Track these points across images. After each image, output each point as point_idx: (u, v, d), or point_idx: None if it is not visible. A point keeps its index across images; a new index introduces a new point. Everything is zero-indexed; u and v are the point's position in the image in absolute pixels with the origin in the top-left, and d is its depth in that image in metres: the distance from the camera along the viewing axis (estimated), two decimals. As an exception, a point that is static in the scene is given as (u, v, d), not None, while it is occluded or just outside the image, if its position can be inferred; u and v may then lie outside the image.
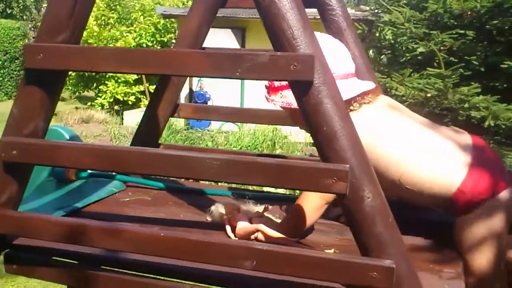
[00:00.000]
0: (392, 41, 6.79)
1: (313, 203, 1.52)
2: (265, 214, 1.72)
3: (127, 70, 1.25)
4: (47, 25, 1.32)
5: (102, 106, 12.95)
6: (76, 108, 14.79)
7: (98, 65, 1.26)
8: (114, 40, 13.02)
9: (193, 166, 1.24)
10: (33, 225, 1.41)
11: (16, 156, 1.37)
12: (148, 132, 2.20)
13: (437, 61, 5.25)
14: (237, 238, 1.58)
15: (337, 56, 1.58)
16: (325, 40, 1.56)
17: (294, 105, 1.62)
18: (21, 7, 22.97)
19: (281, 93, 1.64)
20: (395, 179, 1.53)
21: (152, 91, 10.12)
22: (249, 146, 7.55)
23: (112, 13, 13.80)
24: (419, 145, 1.55)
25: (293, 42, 1.17)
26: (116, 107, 12.55)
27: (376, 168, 1.32)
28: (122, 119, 11.05)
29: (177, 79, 2.10)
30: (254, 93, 10.35)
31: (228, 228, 1.63)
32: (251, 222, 1.61)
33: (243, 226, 1.58)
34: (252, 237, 1.55)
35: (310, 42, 1.19)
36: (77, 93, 15.22)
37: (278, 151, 7.68)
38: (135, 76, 13.16)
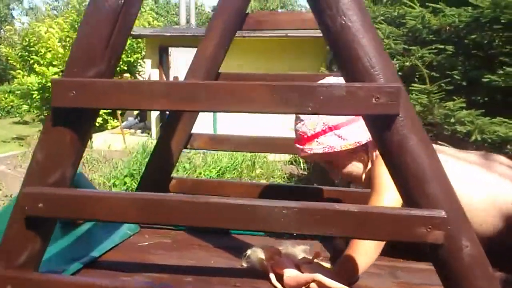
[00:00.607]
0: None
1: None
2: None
3: (181, 107, 1.09)
4: (79, 56, 1.14)
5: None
6: (40, 131, 14.34)
7: (147, 103, 1.09)
8: (79, 61, 12.69)
9: (260, 217, 1.08)
10: (62, 289, 1.21)
11: (43, 209, 1.18)
12: (161, 165, 2.03)
13: (417, 76, 5.23)
14: None
15: None
16: None
17: (337, 147, 1.52)
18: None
19: (317, 141, 1.60)
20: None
21: (119, 112, 9.86)
22: (228, 167, 7.35)
23: (77, 34, 13.48)
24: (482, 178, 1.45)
25: (371, 71, 1.03)
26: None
27: None
28: (92, 141, 10.72)
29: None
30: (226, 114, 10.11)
31: (273, 277, 1.45)
32: (299, 269, 1.43)
33: (292, 275, 1.40)
34: None
35: (390, 71, 1.05)
36: (41, 116, 14.79)
37: (258, 171, 7.50)
38: (102, 98, 12.88)
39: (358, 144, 1.57)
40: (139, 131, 11.55)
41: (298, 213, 1.06)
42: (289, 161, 8.28)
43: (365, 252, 1.39)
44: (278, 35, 9.21)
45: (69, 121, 1.17)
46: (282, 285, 1.40)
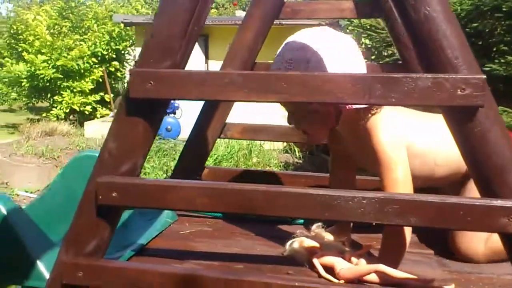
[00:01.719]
0: (369, 46, 6.79)
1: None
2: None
3: (258, 99, 1.10)
4: (156, 47, 1.15)
5: (58, 117, 12.46)
6: (28, 119, 14.21)
7: (224, 94, 1.09)
8: (68, 49, 12.56)
9: (338, 206, 1.09)
10: (132, 277, 1.22)
11: (116, 198, 1.19)
12: (196, 154, 2.03)
13: (419, 65, 5.26)
14: (341, 281, 1.41)
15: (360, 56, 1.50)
16: (346, 40, 1.48)
17: None
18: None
19: None
20: (431, 163, 1.54)
21: (108, 100, 9.76)
22: (224, 155, 7.36)
23: (65, 22, 13.33)
24: (437, 129, 1.51)
25: (455, 62, 1.05)
26: (71, 117, 12.09)
27: (415, 161, 1.45)
28: (83, 130, 10.65)
29: (230, 98, 1.94)
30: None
31: (321, 268, 1.46)
32: (346, 259, 1.45)
33: (347, 266, 1.41)
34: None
35: (472, 62, 1.07)
36: (29, 104, 14.63)
37: (254, 160, 7.53)
38: (91, 86, 12.77)
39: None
40: (130, 119, 11.48)
41: (377, 203, 1.08)
42: (283, 149, 8.31)
43: (402, 242, 1.42)
44: (313, 24, 9.14)
45: (144, 112, 1.18)
46: (334, 277, 1.41)
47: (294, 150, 7.66)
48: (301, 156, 7.55)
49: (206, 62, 9.94)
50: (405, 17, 1.08)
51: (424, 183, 1.57)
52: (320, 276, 1.42)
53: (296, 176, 2.19)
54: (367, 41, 6.61)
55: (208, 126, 1.98)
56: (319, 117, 1.46)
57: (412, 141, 1.50)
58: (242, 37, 1.93)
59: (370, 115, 1.46)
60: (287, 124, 1.58)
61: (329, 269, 1.43)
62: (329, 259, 1.45)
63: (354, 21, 6.64)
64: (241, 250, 1.67)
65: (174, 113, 9.15)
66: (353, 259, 1.46)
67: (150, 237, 1.74)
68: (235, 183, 1.27)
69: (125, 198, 1.19)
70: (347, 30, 7.13)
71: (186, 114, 9.03)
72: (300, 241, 1.57)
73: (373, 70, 1.96)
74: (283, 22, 7.97)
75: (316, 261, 1.46)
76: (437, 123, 1.48)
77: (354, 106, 1.43)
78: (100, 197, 1.20)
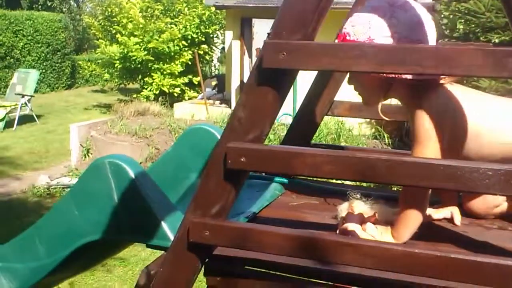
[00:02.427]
0: (464, 32, 6.55)
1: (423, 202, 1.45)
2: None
3: (387, 70, 1.13)
4: (288, 19, 1.20)
5: (147, 98, 12.95)
6: (119, 99, 14.87)
7: (357, 65, 1.13)
8: (159, 32, 12.97)
9: (461, 177, 1.11)
10: (257, 238, 1.30)
11: (245, 163, 1.26)
12: (303, 131, 2.09)
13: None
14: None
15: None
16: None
17: None
18: (61, -1, 23.14)
19: None
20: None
21: (196, 82, 10.05)
22: (313, 139, 7.39)
23: (157, 5, 13.75)
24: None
25: None
26: (160, 99, 12.50)
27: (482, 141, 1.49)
28: (173, 111, 11.01)
29: (340, 75, 1.97)
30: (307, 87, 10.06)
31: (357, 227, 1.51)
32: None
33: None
34: None
35: None
36: (121, 85, 15.29)
37: (343, 144, 7.53)
38: (180, 68, 13.13)
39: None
40: (217, 102, 11.74)
41: (502, 175, 1.09)
42: (372, 135, 8.24)
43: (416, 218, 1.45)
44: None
45: (274, 82, 1.24)
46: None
47: (384, 136, 7.59)
48: (390, 142, 7.46)
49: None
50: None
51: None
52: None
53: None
54: (461, 26, 6.40)
55: (317, 102, 2.02)
56: (370, 83, 1.50)
57: (476, 122, 1.51)
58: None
59: (424, 91, 1.47)
60: (395, 103, 1.62)
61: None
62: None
63: (452, 4, 6.45)
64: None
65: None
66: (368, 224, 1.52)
67: (261, 206, 1.82)
68: (359, 151, 1.31)
69: (253, 163, 1.26)
70: (442, 15, 6.93)
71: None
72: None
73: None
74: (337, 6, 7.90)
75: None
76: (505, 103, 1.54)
77: (405, 77, 1.43)
78: (229, 161, 1.27)
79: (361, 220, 1.54)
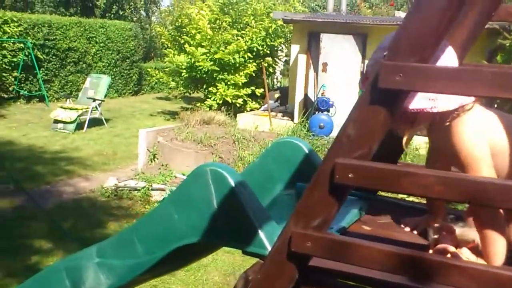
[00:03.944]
0: None
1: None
2: None
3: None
4: (405, 42, 1.24)
5: (210, 107, 13.18)
6: (182, 107, 15.20)
7: (476, 89, 1.16)
8: (226, 43, 13.21)
9: None
10: (359, 253, 1.33)
11: (352, 179, 1.30)
12: (391, 148, 2.10)
13: None
14: None
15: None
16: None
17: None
18: (132, 9, 23.90)
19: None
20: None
21: (259, 94, 10.25)
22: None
23: (226, 17, 14.02)
24: None
25: None
26: (223, 108, 12.69)
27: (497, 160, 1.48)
28: (236, 121, 11.17)
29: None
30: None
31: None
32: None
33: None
34: None
35: None
36: (186, 93, 15.63)
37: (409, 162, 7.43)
38: (244, 79, 13.32)
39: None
40: (279, 114, 11.82)
41: None
42: (439, 156, 8.07)
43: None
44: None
45: (387, 102, 1.28)
46: None
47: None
48: (457, 164, 7.30)
49: (363, 62, 9.94)
50: None
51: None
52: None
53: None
54: None
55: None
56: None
57: (495, 138, 1.54)
58: (455, 37, 1.95)
59: (456, 115, 1.51)
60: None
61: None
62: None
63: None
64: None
65: (328, 111, 9.28)
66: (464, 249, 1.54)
67: (350, 222, 1.85)
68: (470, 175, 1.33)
69: (360, 179, 1.30)
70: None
71: (340, 113, 9.13)
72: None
73: None
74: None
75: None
76: None
77: (440, 110, 1.47)
78: (337, 176, 1.31)
79: (456, 243, 1.55)
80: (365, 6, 23.39)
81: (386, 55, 1.27)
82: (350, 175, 1.30)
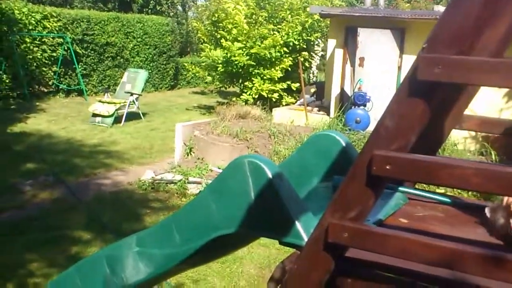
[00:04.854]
0: None
1: None
2: None
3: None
4: (445, 34, 1.24)
5: (246, 101, 13.22)
6: (218, 102, 15.30)
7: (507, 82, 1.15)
8: (262, 38, 13.22)
9: None
10: (397, 245, 1.34)
11: (390, 171, 1.31)
12: (430, 141, 2.09)
13: None
14: None
15: None
16: None
17: None
18: (169, 4, 24.13)
19: None
20: None
21: (294, 88, 10.28)
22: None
23: (262, 12, 14.02)
24: None
25: None
26: (259, 103, 12.71)
27: None
28: (272, 115, 11.19)
29: (473, 89, 1.97)
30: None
31: None
32: None
33: None
34: None
35: None
36: (221, 88, 15.72)
37: (445, 159, 7.33)
38: (280, 74, 13.31)
39: None
40: (315, 109, 11.78)
41: None
42: (478, 151, 7.97)
43: None
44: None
45: (426, 94, 1.27)
46: None
47: (490, 153, 7.31)
48: (497, 159, 7.18)
49: (400, 56, 9.82)
50: None
51: None
52: None
53: None
54: None
55: (447, 114, 2.02)
56: None
57: None
58: (494, 30, 1.92)
59: None
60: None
61: None
62: None
63: None
64: (478, 237, 1.71)
65: (365, 105, 9.21)
66: None
67: (386, 214, 1.85)
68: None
69: (398, 171, 1.31)
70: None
71: (376, 107, 9.05)
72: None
73: None
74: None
75: None
76: None
77: None
78: (374, 168, 1.32)
79: None
80: (403, 0, 23.07)
81: (425, 48, 1.27)
82: (387, 167, 1.31)
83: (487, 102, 7.62)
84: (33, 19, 14.92)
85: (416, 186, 2.14)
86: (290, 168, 2.24)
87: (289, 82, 13.78)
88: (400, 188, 2.03)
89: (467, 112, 2.07)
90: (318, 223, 1.50)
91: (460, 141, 7.96)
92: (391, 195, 2.01)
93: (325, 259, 1.50)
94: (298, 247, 1.61)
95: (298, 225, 1.63)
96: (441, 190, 4.40)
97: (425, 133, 2.08)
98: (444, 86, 1.28)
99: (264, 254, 5.42)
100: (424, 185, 3.69)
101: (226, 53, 13.39)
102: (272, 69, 13.38)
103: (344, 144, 2.16)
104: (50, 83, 15.83)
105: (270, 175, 1.69)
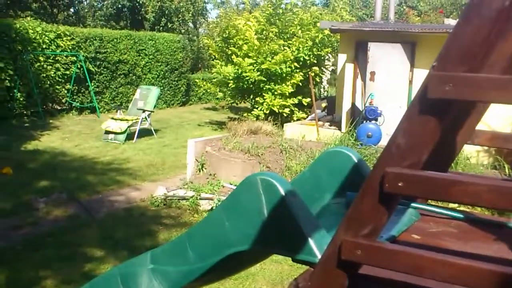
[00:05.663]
0: None
1: None
2: None
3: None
4: (455, 52, 1.25)
5: (257, 117, 13.26)
6: (229, 118, 15.36)
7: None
8: (273, 54, 13.29)
9: None
10: (412, 262, 1.34)
11: (402, 188, 1.32)
12: (442, 156, 2.09)
13: None
14: None
15: None
16: None
17: None
18: (180, 21, 24.34)
19: None
20: None
21: (306, 104, 10.31)
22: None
23: (272, 28, 14.12)
24: None
25: None
26: (270, 118, 12.74)
27: None
28: (283, 131, 11.21)
29: (483, 106, 1.97)
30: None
31: None
32: None
33: None
34: None
35: None
36: (233, 104, 15.80)
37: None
38: (291, 89, 13.36)
39: None
40: (327, 124, 11.78)
41: None
42: (491, 164, 7.92)
43: None
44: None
45: (437, 112, 1.29)
46: None
47: (504, 166, 7.26)
48: (511, 173, 7.12)
49: (411, 70, 9.82)
50: None
51: None
52: None
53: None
54: None
55: (459, 130, 2.03)
56: None
57: None
58: (504, 48, 1.93)
59: None
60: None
61: None
62: None
63: None
64: (493, 253, 1.70)
65: (376, 120, 9.21)
66: None
67: (399, 230, 1.85)
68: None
69: (410, 188, 1.31)
70: None
71: (388, 122, 9.05)
72: None
73: None
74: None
75: None
76: None
77: None
78: (387, 185, 1.33)
79: None
80: (413, 14, 23.10)
81: (435, 65, 1.28)
82: (400, 184, 1.32)
83: (500, 117, 7.60)
84: (46, 38, 15.12)
85: (429, 202, 2.14)
86: (302, 185, 2.25)
87: (300, 97, 13.82)
88: (413, 204, 2.04)
89: (479, 125, 2.07)
90: (331, 240, 1.51)
91: (473, 155, 7.92)
92: (404, 210, 2.01)
93: (339, 276, 1.50)
94: (311, 264, 1.62)
95: (311, 242, 1.64)
96: (453, 205, 4.38)
97: (436, 148, 2.10)
98: (455, 103, 1.29)
99: (276, 271, 5.41)
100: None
101: (237, 69, 13.48)
102: (283, 84, 13.43)
103: (356, 161, 2.16)
104: (64, 100, 16.00)
105: (283, 193, 1.70)
